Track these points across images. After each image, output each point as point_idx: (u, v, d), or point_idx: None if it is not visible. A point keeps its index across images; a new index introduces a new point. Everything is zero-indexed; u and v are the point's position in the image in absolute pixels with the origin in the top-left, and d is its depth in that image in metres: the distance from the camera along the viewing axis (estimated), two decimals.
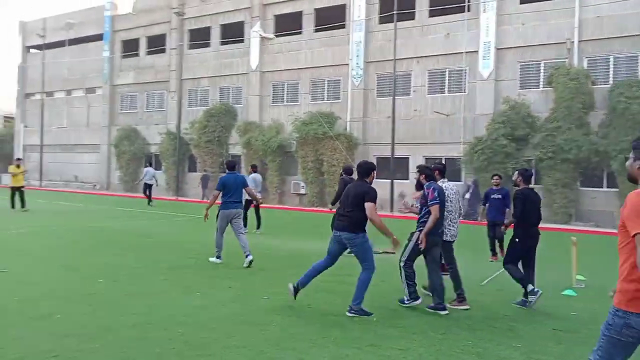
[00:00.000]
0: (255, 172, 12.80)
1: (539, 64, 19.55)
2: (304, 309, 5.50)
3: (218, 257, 8.16)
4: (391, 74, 21.32)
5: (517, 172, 6.57)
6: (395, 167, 20.99)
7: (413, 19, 22.10)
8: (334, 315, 5.30)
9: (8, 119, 45.35)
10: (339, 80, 24.20)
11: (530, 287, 5.94)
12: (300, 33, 25.31)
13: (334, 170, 21.57)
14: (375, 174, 5.69)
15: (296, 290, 5.59)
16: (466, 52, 20.47)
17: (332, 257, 5.61)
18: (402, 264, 5.82)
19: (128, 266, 7.63)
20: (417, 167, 6.37)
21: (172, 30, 29.44)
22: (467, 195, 18.09)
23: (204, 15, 28.40)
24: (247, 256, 7.86)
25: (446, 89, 21.53)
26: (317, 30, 24.85)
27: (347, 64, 23.54)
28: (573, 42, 18.50)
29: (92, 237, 10.72)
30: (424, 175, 5.97)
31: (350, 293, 5.42)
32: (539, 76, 19.56)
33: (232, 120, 26.97)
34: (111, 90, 32.26)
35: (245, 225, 11.73)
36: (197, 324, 4.82)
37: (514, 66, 19.98)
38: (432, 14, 21.77)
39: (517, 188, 6.39)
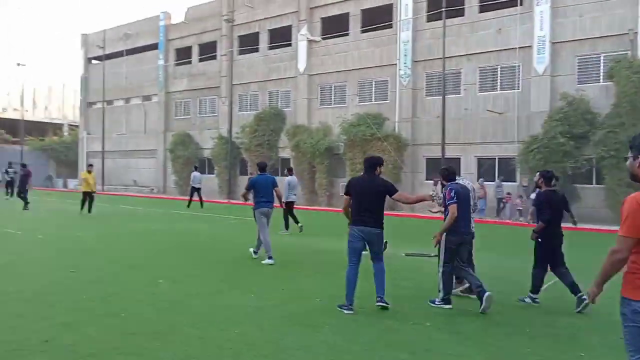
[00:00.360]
0: (290, 175, 13.30)
1: (599, 57, 18.61)
2: (358, 312, 5.51)
3: (270, 257, 8.34)
4: (440, 73, 20.94)
5: (538, 173, 6.66)
6: None
7: (462, 15, 21.63)
8: (388, 319, 5.29)
9: (72, 127, 48.19)
10: (387, 80, 24.04)
11: (536, 296, 6.09)
12: (347, 35, 25.37)
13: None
14: (381, 169, 5.91)
15: (351, 307, 5.52)
16: (519, 47, 19.79)
17: (359, 256, 5.67)
18: (440, 270, 5.95)
19: (186, 267, 7.93)
20: (439, 170, 6.79)
21: (222, 37, 30.27)
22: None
23: (253, 21, 29.01)
24: (255, 252, 8.66)
25: (498, 87, 20.90)
26: (364, 31, 24.81)
27: (395, 64, 23.35)
28: (636, 32, 17.49)
29: (152, 239, 11.21)
30: (442, 177, 6.33)
31: (405, 296, 5.47)
32: (599, 70, 18.62)
33: (281, 124, 27.38)
34: (166, 97, 33.58)
35: (287, 227, 12.34)
36: (253, 325, 4.95)
37: (571, 60, 19.12)
38: (483, 9, 21.21)
39: (539, 190, 6.46)
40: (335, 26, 25.75)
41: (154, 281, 6.84)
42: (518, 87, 20.16)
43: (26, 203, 17.72)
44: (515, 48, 19.89)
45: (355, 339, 4.62)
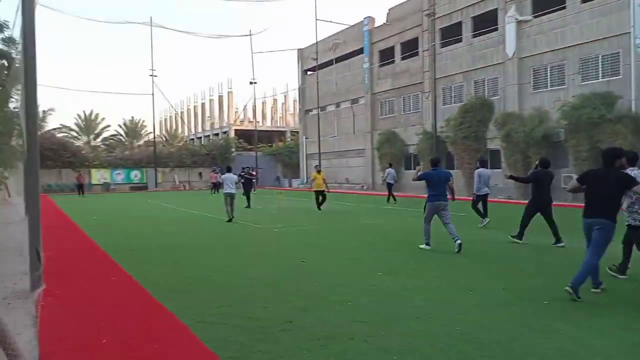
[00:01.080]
0: (483, 167, 13.18)
1: None
2: (593, 318, 4.91)
3: (427, 244, 9.16)
4: None
5: None
6: None
7: None
8: (633, 330, 4.57)
9: (294, 132, 54.36)
10: (618, 53, 20.60)
11: None
12: (563, 8, 22.62)
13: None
14: (622, 161, 5.96)
15: (575, 291, 5.51)
16: None
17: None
18: None
19: (400, 260, 8.20)
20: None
21: (423, 32, 30.20)
22: None
23: (455, 12, 28.19)
24: (455, 241, 8.76)
25: None
26: (584, 1, 21.76)
27: (628, 33, 19.85)
28: None
29: (368, 233, 11.90)
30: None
31: None
32: None
33: (489, 114, 25.95)
34: (372, 98, 35.13)
35: (484, 216, 12.47)
36: (476, 324, 4.85)
37: None
38: None
39: None
40: (548, 1, 23.22)
41: (373, 273, 7.26)
42: None
43: (248, 202, 19.83)
44: None
45: (596, 350, 4.12)
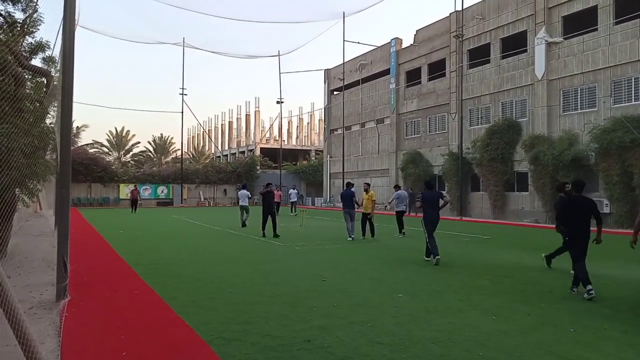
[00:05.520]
0: (399, 189, 17.17)
1: None
2: (622, 347, 4.71)
3: (350, 237, 14.37)
4: None
5: None
6: None
7: None
8: None
9: (318, 152, 54.62)
10: None
11: None
12: (595, 30, 22.31)
13: None
14: None
15: None
16: None
17: None
18: None
19: (424, 283, 8.05)
20: None
21: (451, 53, 30.17)
22: None
23: (483, 33, 28.12)
24: (350, 234, 14.44)
25: None
26: (617, 23, 21.43)
27: None
28: None
29: (391, 254, 11.77)
30: None
31: None
32: None
33: (516, 136, 25.60)
34: (397, 119, 35.09)
35: (400, 230, 16.03)
36: (499, 349, 4.71)
37: None
38: None
39: None
40: (579, 23, 22.97)
41: (394, 294, 7.15)
42: None
43: (265, 228, 15.63)
44: None
45: None
